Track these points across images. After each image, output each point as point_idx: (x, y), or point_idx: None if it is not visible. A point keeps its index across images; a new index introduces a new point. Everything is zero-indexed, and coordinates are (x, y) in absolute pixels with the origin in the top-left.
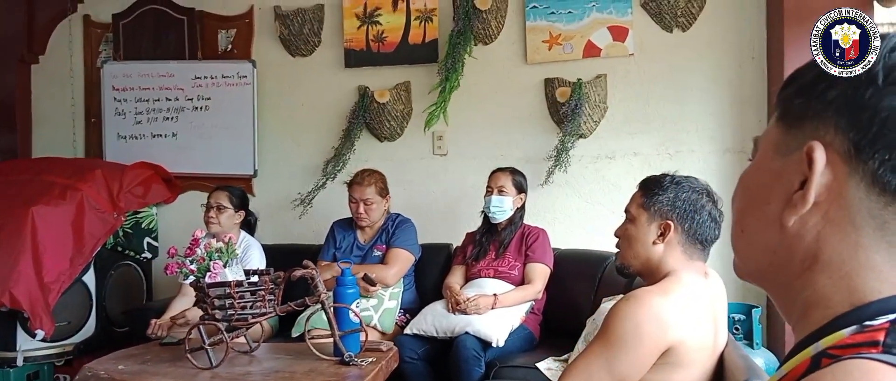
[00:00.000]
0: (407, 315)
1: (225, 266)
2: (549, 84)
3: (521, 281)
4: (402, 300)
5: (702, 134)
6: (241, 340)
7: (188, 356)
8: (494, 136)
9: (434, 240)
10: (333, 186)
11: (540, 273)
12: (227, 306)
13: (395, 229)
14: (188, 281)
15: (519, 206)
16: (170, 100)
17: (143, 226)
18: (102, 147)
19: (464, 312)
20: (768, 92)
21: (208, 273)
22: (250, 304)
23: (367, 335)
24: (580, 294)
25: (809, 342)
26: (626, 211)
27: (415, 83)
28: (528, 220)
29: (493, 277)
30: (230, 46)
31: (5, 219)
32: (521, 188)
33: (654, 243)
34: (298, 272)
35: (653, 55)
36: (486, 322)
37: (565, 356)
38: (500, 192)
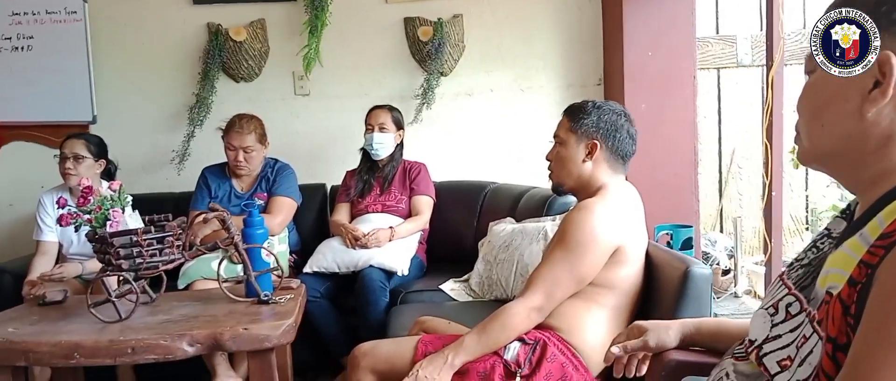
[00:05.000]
0: (294, 256)
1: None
2: (410, 23)
3: (408, 214)
4: (289, 243)
5: (549, 71)
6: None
7: (92, 311)
8: (357, 75)
9: (304, 181)
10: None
11: (426, 205)
12: (135, 254)
13: (275, 175)
14: (85, 232)
15: (398, 142)
16: None
17: None
18: None
19: (364, 246)
20: (603, 33)
21: (108, 223)
22: (159, 251)
23: (282, 272)
24: (463, 223)
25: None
26: (556, 136)
27: (270, 20)
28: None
29: (381, 211)
30: None
31: None
32: (399, 124)
33: (583, 161)
34: (210, 215)
35: None
36: (389, 254)
37: (466, 277)
38: (381, 129)
